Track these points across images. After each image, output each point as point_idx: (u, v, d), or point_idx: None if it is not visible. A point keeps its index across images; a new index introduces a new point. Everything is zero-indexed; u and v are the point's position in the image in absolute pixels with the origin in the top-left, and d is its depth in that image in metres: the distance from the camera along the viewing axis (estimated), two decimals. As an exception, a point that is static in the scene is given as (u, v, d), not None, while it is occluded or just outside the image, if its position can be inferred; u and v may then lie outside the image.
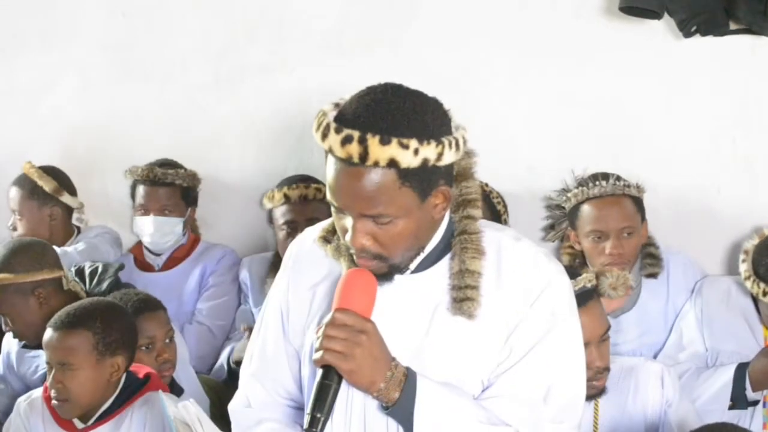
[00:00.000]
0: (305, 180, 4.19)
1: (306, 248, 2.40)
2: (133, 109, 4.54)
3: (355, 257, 2.21)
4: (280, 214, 4.16)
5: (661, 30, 4.05)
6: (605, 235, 3.77)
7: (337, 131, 2.11)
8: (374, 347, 2.16)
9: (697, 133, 4.10)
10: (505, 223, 4.02)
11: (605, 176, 3.84)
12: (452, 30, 4.24)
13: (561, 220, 4.04)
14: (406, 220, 2.16)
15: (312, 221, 4.11)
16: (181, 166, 4.37)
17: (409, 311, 2.25)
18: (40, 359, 3.69)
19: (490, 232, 2.29)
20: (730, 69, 4.05)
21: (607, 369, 3.01)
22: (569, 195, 3.87)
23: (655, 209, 3.98)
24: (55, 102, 4.60)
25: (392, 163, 2.09)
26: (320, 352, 2.15)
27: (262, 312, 2.47)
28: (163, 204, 4.31)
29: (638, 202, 3.84)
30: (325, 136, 2.13)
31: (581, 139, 4.17)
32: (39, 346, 3.59)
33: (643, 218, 3.84)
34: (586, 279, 3.03)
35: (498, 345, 2.22)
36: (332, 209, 2.23)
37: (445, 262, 2.27)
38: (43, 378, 3.62)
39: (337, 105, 2.20)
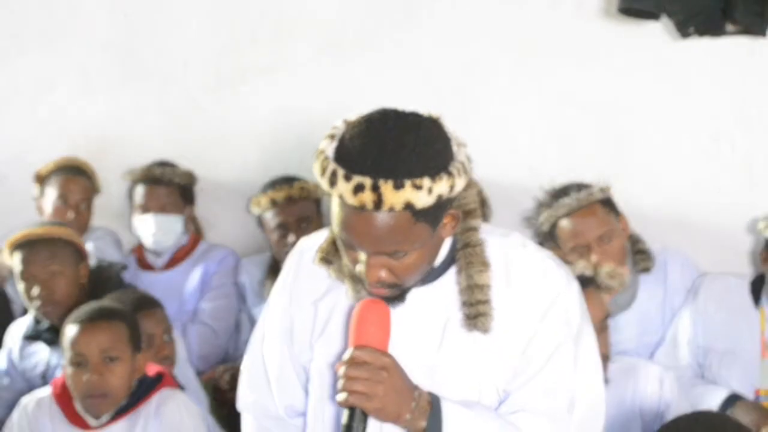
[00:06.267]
0: (288, 180, 4.21)
1: (305, 262, 2.32)
2: (134, 110, 4.54)
3: (367, 287, 2.17)
4: (270, 217, 4.18)
5: (659, 31, 4.06)
6: (587, 247, 3.74)
7: (347, 179, 2.04)
8: (397, 381, 2.11)
9: (697, 133, 4.10)
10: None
11: (566, 190, 3.81)
12: (452, 30, 4.24)
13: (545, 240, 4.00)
14: (419, 251, 2.13)
15: (302, 220, 4.17)
16: (177, 165, 4.39)
17: (419, 326, 2.21)
18: (39, 355, 3.69)
19: (494, 240, 2.23)
20: (729, 69, 4.05)
21: (607, 358, 3.01)
22: (541, 220, 3.84)
23: (655, 209, 3.99)
24: (55, 102, 4.60)
25: (407, 206, 2.05)
26: (344, 394, 2.09)
27: (260, 330, 2.39)
28: (162, 202, 4.31)
29: (607, 203, 3.81)
30: (333, 183, 2.05)
31: (581, 139, 4.18)
32: (40, 336, 3.60)
33: (618, 214, 3.82)
34: (584, 267, 3.05)
35: (514, 355, 2.19)
36: (339, 242, 2.16)
37: (451, 273, 2.22)
38: (44, 374, 3.63)
39: (332, 137, 2.11)
